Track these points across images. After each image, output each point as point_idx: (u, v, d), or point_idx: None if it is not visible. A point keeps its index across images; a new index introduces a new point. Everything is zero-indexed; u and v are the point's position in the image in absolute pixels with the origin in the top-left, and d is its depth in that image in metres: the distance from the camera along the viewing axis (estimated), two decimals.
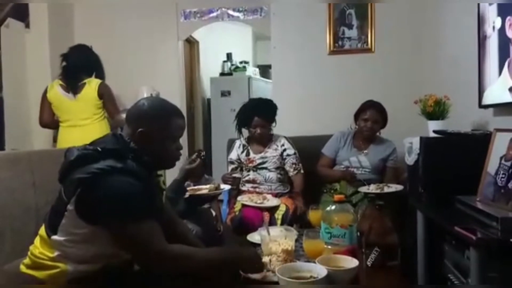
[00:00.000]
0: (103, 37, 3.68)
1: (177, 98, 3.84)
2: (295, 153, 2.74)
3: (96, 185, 1.21)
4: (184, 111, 4.31)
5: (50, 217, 1.31)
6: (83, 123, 2.96)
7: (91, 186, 1.21)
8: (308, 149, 2.86)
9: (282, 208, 2.49)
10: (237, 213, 2.45)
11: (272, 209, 2.46)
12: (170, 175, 3.08)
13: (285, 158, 2.72)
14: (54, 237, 1.27)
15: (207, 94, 5.62)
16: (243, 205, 2.45)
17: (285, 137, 2.80)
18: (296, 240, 1.76)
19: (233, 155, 2.77)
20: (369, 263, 1.20)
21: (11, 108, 3.37)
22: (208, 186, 2.15)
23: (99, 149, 1.28)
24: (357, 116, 2.80)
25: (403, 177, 2.49)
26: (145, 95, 3.53)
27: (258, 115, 2.65)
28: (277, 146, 2.74)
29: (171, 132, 1.39)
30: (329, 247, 1.63)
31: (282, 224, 2.33)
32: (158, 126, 1.36)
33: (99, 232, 1.24)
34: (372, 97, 2.85)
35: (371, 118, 2.72)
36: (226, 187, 2.19)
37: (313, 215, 1.98)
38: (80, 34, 3.84)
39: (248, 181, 2.70)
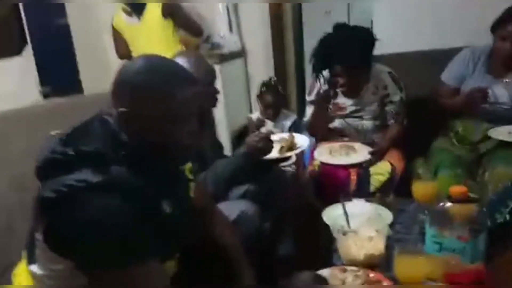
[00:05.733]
0: None
1: None
2: (401, 99, 1.95)
3: (64, 210, 0.82)
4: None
5: (28, 240, 0.97)
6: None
7: (57, 211, 0.83)
8: (416, 71, 2.11)
9: (385, 169, 1.82)
10: (316, 168, 1.89)
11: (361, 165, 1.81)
12: None
13: (386, 105, 1.97)
14: (32, 268, 0.94)
15: None
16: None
17: (389, 72, 1.97)
18: None
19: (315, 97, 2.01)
20: None
21: (79, 36, 3.11)
22: (280, 137, 1.65)
23: (73, 153, 0.86)
24: (494, 29, 1.89)
25: None
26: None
27: (340, 62, 1.82)
28: (377, 88, 1.95)
29: (173, 109, 0.90)
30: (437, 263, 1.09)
31: (381, 192, 1.68)
32: (149, 102, 0.89)
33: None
34: None
35: None
36: (303, 144, 1.65)
37: (419, 187, 1.39)
38: None
39: (334, 131, 2.05)
